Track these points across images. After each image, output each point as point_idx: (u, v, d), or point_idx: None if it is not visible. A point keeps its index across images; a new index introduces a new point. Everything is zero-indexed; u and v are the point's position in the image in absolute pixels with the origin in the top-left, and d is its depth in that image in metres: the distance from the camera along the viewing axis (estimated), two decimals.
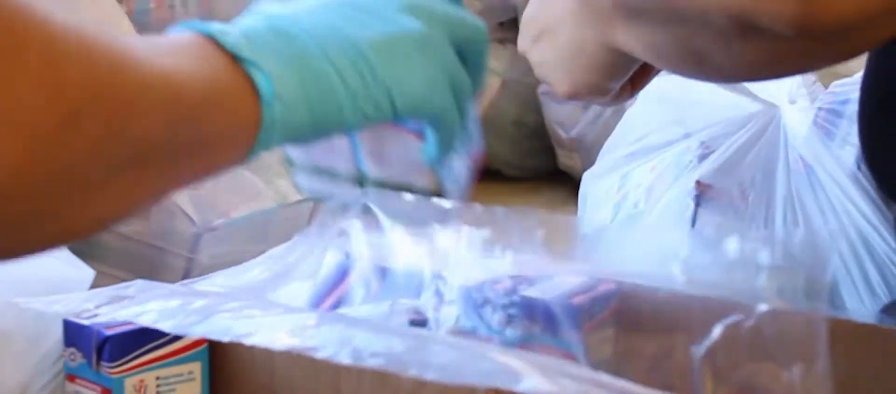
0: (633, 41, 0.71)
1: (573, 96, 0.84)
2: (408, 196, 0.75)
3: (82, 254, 1.29)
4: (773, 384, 0.67)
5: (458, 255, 0.82)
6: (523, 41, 0.87)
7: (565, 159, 2.43)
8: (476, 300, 0.83)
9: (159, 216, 1.29)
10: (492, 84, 2.44)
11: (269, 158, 1.40)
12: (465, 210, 0.78)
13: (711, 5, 0.58)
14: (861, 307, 1.06)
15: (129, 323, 0.82)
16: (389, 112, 0.61)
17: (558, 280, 0.85)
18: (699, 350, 0.69)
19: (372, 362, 0.61)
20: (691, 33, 0.64)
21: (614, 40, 0.74)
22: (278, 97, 0.56)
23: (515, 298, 0.81)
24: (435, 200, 0.76)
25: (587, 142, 2.35)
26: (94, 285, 1.19)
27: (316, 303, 0.87)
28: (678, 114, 1.22)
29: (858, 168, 1.01)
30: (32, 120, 0.44)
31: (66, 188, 0.47)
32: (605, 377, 0.59)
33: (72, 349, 0.85)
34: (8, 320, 0.85)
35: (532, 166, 2.49)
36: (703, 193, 1.12)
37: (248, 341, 0.69)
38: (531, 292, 0.81)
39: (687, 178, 1.13)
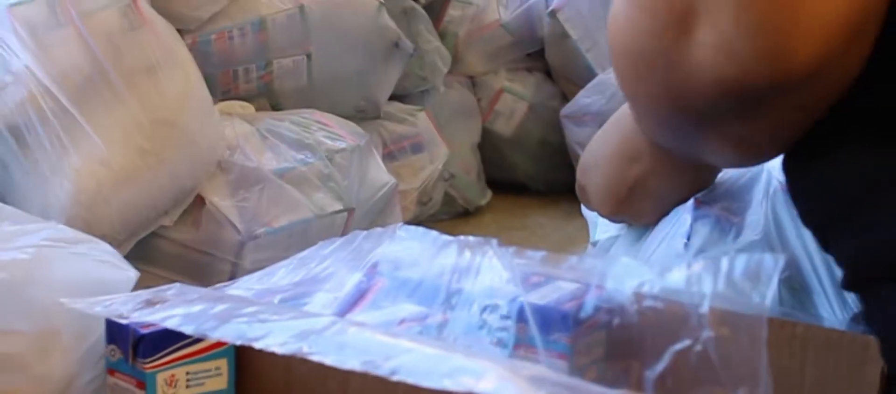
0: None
1: (613, 217, 0.92)
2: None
3: (143, 259, 1.28)
4: None
5: (474, 266, 0.81)
6: (578, 171, 0.92)
7: None
8: (481, 307, 0.81)
9: (209, 226, 1.28)
10: (520, 108, 2.44)
11: (309, 173, 1.40)
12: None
13: (705, 92, 0.54)
14: (833, 317, 1.02)
15: None
16: None
17: (556, 286, 0.83)
18: (653, 373, 0.66)
19: (351, 365, 0.59)
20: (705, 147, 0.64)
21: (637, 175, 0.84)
22: None
23: (516, 304, 0.79)
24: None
25: None
26: (147, 286, 1.18)
27: (338, 316, 0.85)
28: None
29: None
30: None
31: None
32: (562, 378, 0.57)
33: (112, 346, 0.84)
34: (57, 319, 0.84)
35: (554, 180, 2.47)
36: (699, 209, 1.09)
37: (256, 345, 0.68)
38: (530, 298, 0.79)
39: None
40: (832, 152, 0.59)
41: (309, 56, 1.57)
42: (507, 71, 2.45)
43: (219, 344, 0.84)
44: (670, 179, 0.88)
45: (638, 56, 0.56)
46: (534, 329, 0.78)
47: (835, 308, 1.01)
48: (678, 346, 0.65)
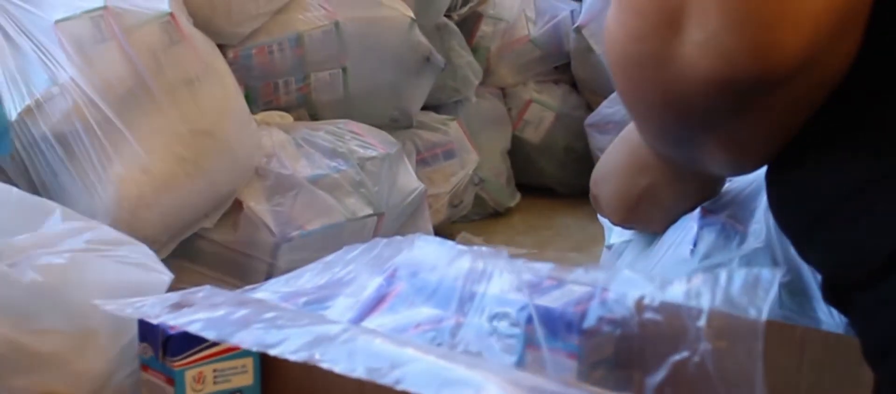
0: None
1: (623, 225, 0.89)
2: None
3: (187, 258, 1.26)
4: None
5: (486, 274, 0.79)
6: (592, 182, 0.89)
7: None
8: (495, 312, 0.78)
9: (246, 228, 1.25)
10: (548, 117, 2.41)
11: (342, 179, 1.37)
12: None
13: (697, 90, 0.50)
14: (830, 320, 0.97)
15: None
16: None
17: (567, 289, 0.80)
18: (652, 383, 0.62)
19: (358, 373, 0.57)
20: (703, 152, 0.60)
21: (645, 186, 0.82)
22: None
23: (524, 311, 0.76)
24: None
25: None
26: (190, 282, 1.16)
27: (358, 318, 0.83)
28: None
29: None
30: None
31: None
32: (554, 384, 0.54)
33: (144, 344, 0.81)
34: (93, 319, 0.81)
35: (578, 184, 2.43)
36: (705, 217, 1.05)
37: (271, 352, 0.65)
38: (542, 301, 0.76)
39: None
40: (808, 162, 0.55)
41: (344, 69, 1.54)
42: (535, 83, 2.43)
43: None
44: (676, 189, 0.84)
45: (631, 61, 0.53)
46: (542, 331, 0.75)
47: (833, 312, 0.96)
48: (677, 357, 0.61)
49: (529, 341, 0.75)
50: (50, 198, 1.02)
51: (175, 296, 0.81)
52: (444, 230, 1.93)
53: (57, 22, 1.06)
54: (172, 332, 0.79)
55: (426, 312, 0.82)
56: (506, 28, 2.35)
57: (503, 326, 0.77)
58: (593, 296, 0.74)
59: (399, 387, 0.57)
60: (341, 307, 0.84)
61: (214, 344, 0.80)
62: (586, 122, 2.36)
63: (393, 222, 1.41)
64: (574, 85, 2.48)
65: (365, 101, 1.59)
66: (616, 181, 0.84)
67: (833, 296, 0.61)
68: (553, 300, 0.81)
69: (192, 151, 1.13)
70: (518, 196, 2.37)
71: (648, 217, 0.85)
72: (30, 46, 1.07)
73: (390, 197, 1.40)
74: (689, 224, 1.08)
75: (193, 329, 0.73)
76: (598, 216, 1.31)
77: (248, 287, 0.87)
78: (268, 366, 0.84)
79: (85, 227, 0.93)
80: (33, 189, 1.10)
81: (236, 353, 0.82)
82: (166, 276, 0.91)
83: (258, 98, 1.48)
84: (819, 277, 0.94)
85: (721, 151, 0.59)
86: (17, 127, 1.05)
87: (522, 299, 0.77)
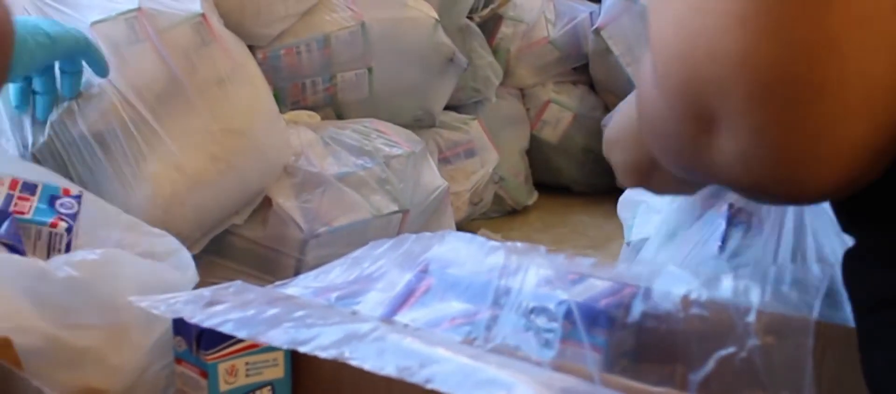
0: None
1: (638, 189, 0.84)
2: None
3: (217, 253, 1.26)
4: None
5: (522, 269, 0.77)
6: (604, 146, 0.84)
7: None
8: (526, 307, 0.77)
9: (275, 225, 1.25)
10: (566, 117, 2.39)
11: (368, 176, 1.36)
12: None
13: (726, 184, 0.47)
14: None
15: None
16: None
17: (591, 283, 0.78)
18: (697, 377, 0.61)
19: (388, 371, 0.56)
20: None
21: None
22: None
23: (557, 302, 0.75)
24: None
25: None
26: (220, 277, 1.15)
27: (390, 313, 0.82)
28: None
29: None
30: None
31: None
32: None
33: (179, 338, 0.81)
34: (126, 314, 0.81)
35: (595, 184, 2.42)
36: (734, 215, 1.03)
37: (302, 349, 0.65)
38: (569, 296, 0.75)
39: (726, 198, 1.05)
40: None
41: (370, 70, 1.53)
42: (554, 84, 2.41)
43: None
44: None
45: (663, 137, 0.49)
46: (581, 326, 0.74)
47: None
48: (723, 352, 0.60)
49: (566, 336, 0.74)
50: None
51: (207, 292, 0.81)
52: (463, 227, 1.92)
53: (93, 24, 1.05)
54: (206, 326, 0.78)
55: (458, 306, 0.81)
56: (525, 30, 2.33)
57: (541, 321, 0.75)
58: (636, 292, 0.72)
59: (429, 386, 0.56)
60: (372, 302, 0.83)
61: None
62: (604, 122, 2.34)
63: (417, 219, 1.40)
64: (592, 86, 2.46)
65: (389, 100, 1.58)
66: (628, 146, 0.78)
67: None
68: (593, 296, 0.80)
69: (224, 150, 1.13)
70: (535, 194, 2.35)
71: (662, 181, 0.81)
72: None
73: (415, 194, 1.39)
74: (717, 222, 1.06)
75: (226, 329, 0.72)
76: (619, 212, 1.29)
77: (278, 283, 0.86)
78: (298, 359, 0.84)
79: (122, 221, 0.93)
80: None
81: (268, 346, 0.81)
82: (192, 276, 0.90)
83: (286, 98, 1.48)
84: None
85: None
86: (57, 127, 1.05)
87: (560, 293, 0.76)
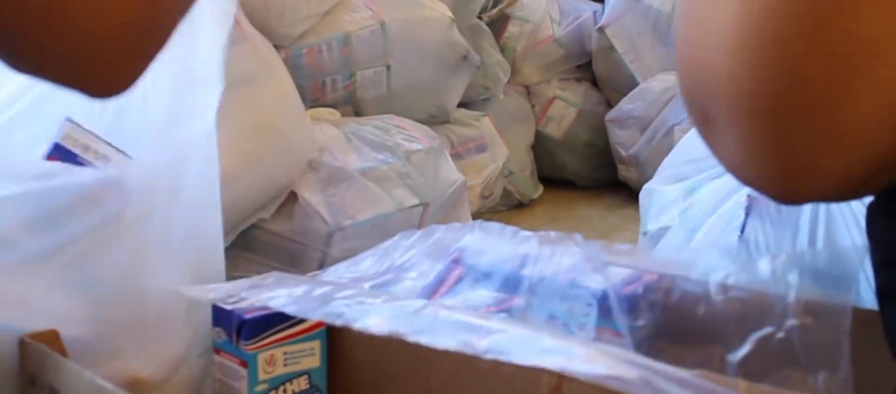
0: None
1: None
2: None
3: (243, 247, 1.25)
4: (800, 389, 0.58)
5: (556, 258, 0.77)
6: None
7: (624, 173, 2.35)
8: (560, 293, 0.76)
9: (301, 218, 1.24)
10: (570, 113, 2.39)
11: (390, 171, 1.36)
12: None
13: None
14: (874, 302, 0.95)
15: (264, 308, 0.76)
16: None
17: (613, 271, 0.77)
18: (735, 358, 0.60)
19: (446, 344, 0.55)
20: None
21: None
22: None
23: (591, 288, 0.74)
24: None
25: (642, 159, 2.28)
26: (246, 271, 1.14)
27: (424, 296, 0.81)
28: None
29: None
30: None
31: None
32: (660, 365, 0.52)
33: (218, 328, 0.80)
34: (170, 304, 0.80)
35: (598, 177, 2.42)
36: (752, 205, 1.03)
37: (355, 326, 0.64)
38: (604, 281, 0.74)
39: (740, 192, 1.04)
40: None
41: (388, 68, 1.52)
42: (558, 81, 2.40)
43: (313, 327, 0.80)
44: None
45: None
46: (614, 310, 0.73)
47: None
48: (761, 333, 0.59)
49: (602, 321, 0.73)
50: None
51: (247, 282, 0.80)
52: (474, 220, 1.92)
53: None
54: (247, 317, 0.77)
55: (489, 294, 0.80)
56: (531, 29, 2.33)
57: (576, 307, 0.75)
58: (674, 277, 0.72)
59: (489, 356, 0.54)
60: (405, 291, 0.82)
61: (285, 328, 0.79)
62: (607, 117, 2.34)
63: (436, 212, 1.40)
64: (595, 83, 2.45)
65: (405, 97, 1.57)
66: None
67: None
68: (628, 280, 0.79)
69: (254, 146, 1.12)
70: (541, 188, 2.35)
71: None
72: None
73: (434, 188, 1.38)
74: (736, 212, 1.06)
75: (276, 305, 0.71)
76: (641, 202, 1.29)
77: (312, 273, 0.85)
78: (334, 349, 0.83)
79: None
80: None
81: (305, 336, 0.80)
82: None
83: (306, 96, 1.47)
84: (867, 264, 0.92)
85: None
86: None
87: (595, 279, 0.75)
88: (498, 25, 2.25)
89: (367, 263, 0.88)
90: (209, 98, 0.79)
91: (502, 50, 2.23)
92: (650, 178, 2.25)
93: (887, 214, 0.48)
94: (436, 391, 0.73)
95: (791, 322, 0.59)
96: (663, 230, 1.21)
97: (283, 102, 1.18)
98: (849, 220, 0.96)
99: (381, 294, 0.71)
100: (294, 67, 1.42)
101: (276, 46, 1.38)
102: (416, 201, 1.31)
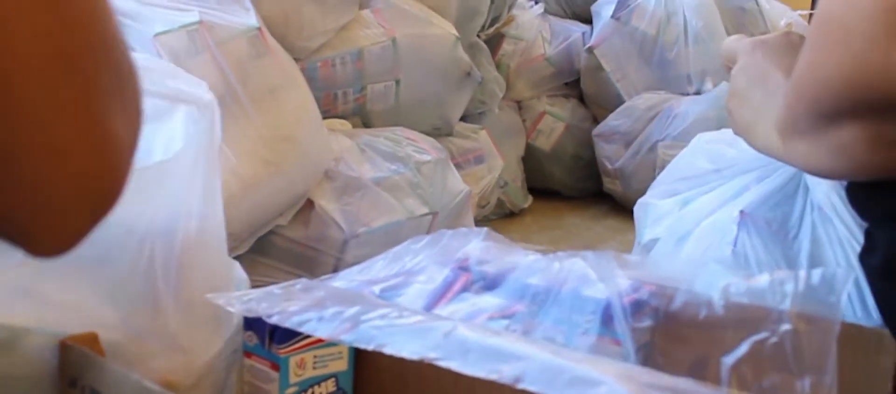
0: None
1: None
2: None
3: (260, 252, 1.23)
4: (789, 392, 0.58)
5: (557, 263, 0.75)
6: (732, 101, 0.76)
7: (609, 185, 2.35)
8: (564, 301, 0.75)
9: (317, 225, 1.22)
10: (558, 128, 2.38)
11: (401, 181, 1.34)
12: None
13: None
14: (853, 317, 0.96)
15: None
16: None
17: (614, 282, 0.76)
18: (729, 360, 0.60)
19: (476, 372, 0.53)
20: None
21: None
22: None
23: (594, 296, 0.73)
24: None
25: (627, 172, 2.27)
26: (263, 276, 1.12)
27: (429, 305, 0.79)
28: (721, 164, 1.12)
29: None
30: None
31: None
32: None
33: (249, 333, 0.77)
34: (200, 311, 0.78)
35: (583, 188, 2.42)
36: (744, 220, 1.02)
37: (385, 351, 0.62)
38: (592, 292, 0.73)
39: (732, 206, 1.03)
40: None
41: (397, 82, 1.50)
42: (548, 97, 2.40)
43: None
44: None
45: (845, 37, 0.47)
46: (616, 318, 0.72)
47: (856, 309, 0.94)
48: (756, 337, 0.59)
49: (604, 329, 0.72)
50: None
51: (277, 290, 0.78)
52: None
53: (156, 35, 1.02)
54: (290, 327, 0.75)
55: (494, 301, 0.78)
56: (525, 47, 2.32)
57: (580, 316, 0.73)
58: (676, 286, 0.71)
59: (520, 386, 0.53)
60: (413, 294, 0.80)
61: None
62: (594, 132, 2.33)
63: (443, 221, 1.38)
64: (582, 99, 2.45)
65: (412, 110, 1.55)
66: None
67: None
68: (629, 290, 0.78)
69: (275, 155, 1.10)
70: (530, 198, 2.34)
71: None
72: None
73: (442, 197, 1.36)
74: (728, 226, 1.05)
75: (308, 329, 0.69)
76: (635, 214, 1.28)
77: (325, 276, 0.83)
78: (361, 352, 0.81)
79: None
80: None
81: (334, 341, 0.78)
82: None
83: (319, 107, 1.44)
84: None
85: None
86: None
87: (598, 288, 0.74)
88: (494, 43, 2.24)
89: (378, 266, 0.86)
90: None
91: (497, 66, 2.22)
92: (634, 190, 2.26)
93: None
94: None
95: (785, 327, 0.59)
96: (655, 241, 1.20)
97: (304, 113, 1.16)
98: (833, 239, 0.96)
99: (412, 313, 0.69)
100: (309, 79, 1.39)
101: (294, 59, 1.36)
102: (426, 210, 1.29)
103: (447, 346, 0.60)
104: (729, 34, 2.37)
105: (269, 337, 0.76)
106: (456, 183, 1.42)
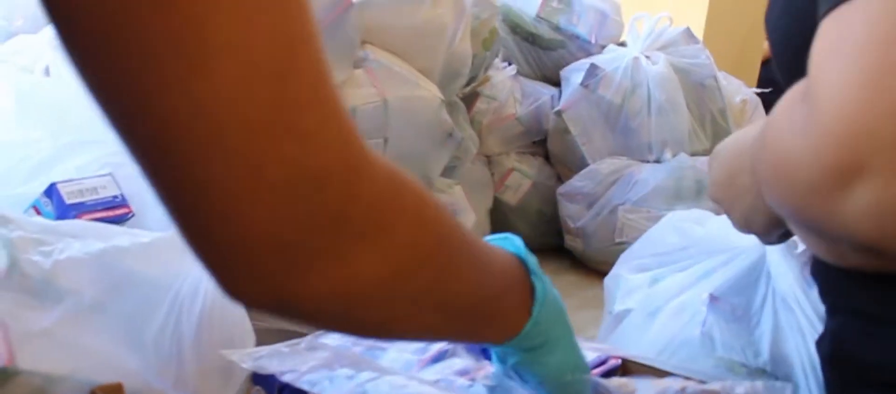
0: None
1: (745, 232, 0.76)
2: None
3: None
4: None
5: None
6: (716, 191, 0.75)
7: (570, 242, 2.41)
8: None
9: None
10: (525, 184, 2.44)
11: None
12: None
13: (843, 235, 0.44)
14: None
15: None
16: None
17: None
18: None
19: None
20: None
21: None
22: (540, 304, 0.56)
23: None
24: None
25: (587, 232, 2.34)
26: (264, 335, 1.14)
27: (408, 366, 0.83)
28: (689, 242, 1.18)
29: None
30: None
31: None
32: None
33: (258, 387, 0.81)
34: (212, 362, 0.81)
35: (546, 243, 2.47)
36: (712, 303, 1.08)
37: None
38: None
39: (700, 287, 1.09)
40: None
41: (386, 140, 1.55)
42: (516, 154, 2.46)
43: None
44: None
45: (785, 176, 0.46)
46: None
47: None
48: None
49: None
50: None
51: (285, 348, 0.81)
52: None
53: None
54: (301, 388, 0.78)
55: (466, 362, 0.82)
56: (497, 106, 2.39)
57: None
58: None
59: None
60: (390, 358, 0.84)
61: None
62: (559, 191, 2.40)
63: None
64: (548, 158, 2.52)
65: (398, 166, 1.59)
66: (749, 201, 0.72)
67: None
68: (592, 364, 0.83)
69: None
70: None
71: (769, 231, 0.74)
72: None
73: None
74: (698, 308, 1.11)
75: (320, 389, 0.73)
76: (606, 283, 1.33)
77: (316, 333, 0.86)
78: None
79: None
80: None
81: None
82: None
83: None
84: (811, 380, 0.98)
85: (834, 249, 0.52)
86: None
87: None
88: (469, 101, 2.30)
89: None
90: None
91: (471, 122, 2.28)
92: (594, 249, 2.33)
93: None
94: None
95: (739, 391, 0.65)
96: (627, 312, 1.26)
97: None
98: (794, 327, 1.02)
99: (415, 380, 0.73)
100: None
101: None
102: None
103: None
104: (689, 108, 2.48)
105: (278, 392, 0.79)
106: None
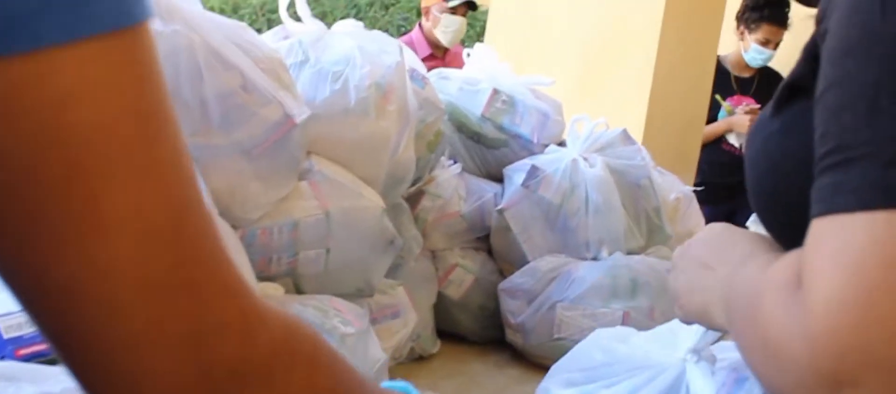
0: None
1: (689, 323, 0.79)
2: None
3: None
4: None
5: None
6: (680, 299, 0.77)
7: (511, 336, 2.44)
8: None
9: None
10: (468, 279, 2.47)
11: None
12: None
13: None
14: None
15: None
16: None
17: None
18: None
19: None
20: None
21: None
22: None
23: None
24: None
25: (527, 328, 2.37)
26: None
27: None
28: (613, 359, 1.22)
29: None
30: None
31: None
32: None
33: None
34: None
35: (487, 336, 2.50)
36: None
37: None
38: None
39: None
40: None
41: (328, 250, 1.57)
42: (460, 249, 2.49)
43: None
44: None
45: (776, 364, 0.46)
46: None
47: None
48: None
49: None
50: None
51: None
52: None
53: None
54: None
55: None
56: (442, 203, 2.42)
57: None
58: None
59: None
60: None
61: None
62: (500, 287, 2.43)
63: None
64: (491, 253, 2.55)
65: (339, 275, 1.61)
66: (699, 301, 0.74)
67: None
68: None
69: None
70: (439, 344, 2.40)
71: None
72: None
73: (363, 366, 1.42)
74: None
75: None
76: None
77: None
78: None
79: None
80: None
81: None
82: None
83: (253, 269, 1.50)
84: None
85: None
86: None
87: None
88: (414, 199, 2.34)
89: None
90: None
91: (415, 219, 2.31)
92: (533, 344, 2.36)
93: None
94: None
95: None
96: None
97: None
98: None
99: None
100: (246, 245, 1.45)
101: (234, 227, 1.41)
102: None
103: None
104: (625, 207, 2.55)
105: None
106: (376, 351, 1.48)
